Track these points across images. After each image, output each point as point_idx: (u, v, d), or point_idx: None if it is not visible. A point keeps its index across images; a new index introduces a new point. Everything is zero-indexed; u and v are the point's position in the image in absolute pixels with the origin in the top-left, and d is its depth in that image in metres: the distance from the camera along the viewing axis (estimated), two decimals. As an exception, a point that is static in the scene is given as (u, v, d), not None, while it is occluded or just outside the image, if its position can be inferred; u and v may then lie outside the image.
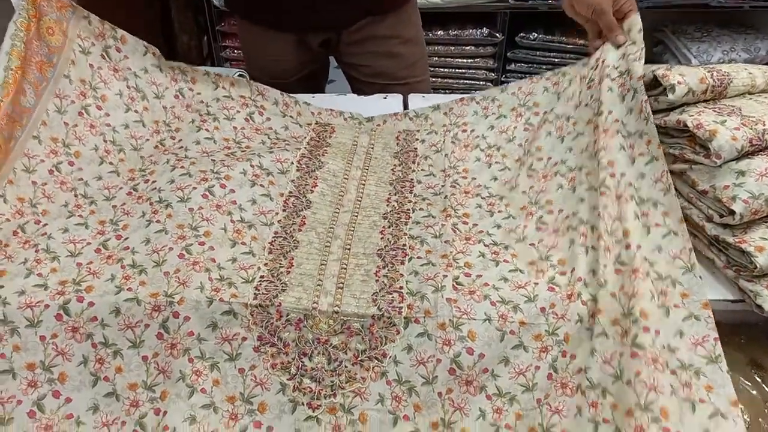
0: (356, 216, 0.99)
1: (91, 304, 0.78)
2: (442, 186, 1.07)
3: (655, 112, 0.98)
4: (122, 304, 0.79)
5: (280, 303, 0.81)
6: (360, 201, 1.03)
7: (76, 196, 0.94)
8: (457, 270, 0.87)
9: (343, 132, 1.20)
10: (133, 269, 0.84)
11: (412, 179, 1.08)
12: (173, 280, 0.82)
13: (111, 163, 1.01)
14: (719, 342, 0.77)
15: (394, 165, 1.12)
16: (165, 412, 0.75)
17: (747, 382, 0.89)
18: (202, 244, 0.88)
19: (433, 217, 0.99)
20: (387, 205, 1.02)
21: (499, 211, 1.01)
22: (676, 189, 0.96)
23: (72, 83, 1.01)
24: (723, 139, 0.86)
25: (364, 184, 1.07)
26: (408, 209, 1.00)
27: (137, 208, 0.94)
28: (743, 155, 0.89)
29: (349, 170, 1.09)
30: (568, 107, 1.07)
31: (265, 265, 0.88)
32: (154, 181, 0.99)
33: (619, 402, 0.71)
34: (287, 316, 0.81)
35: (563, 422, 0.74)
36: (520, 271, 0.87)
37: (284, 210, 0.98)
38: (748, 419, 0.83)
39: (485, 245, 0.93)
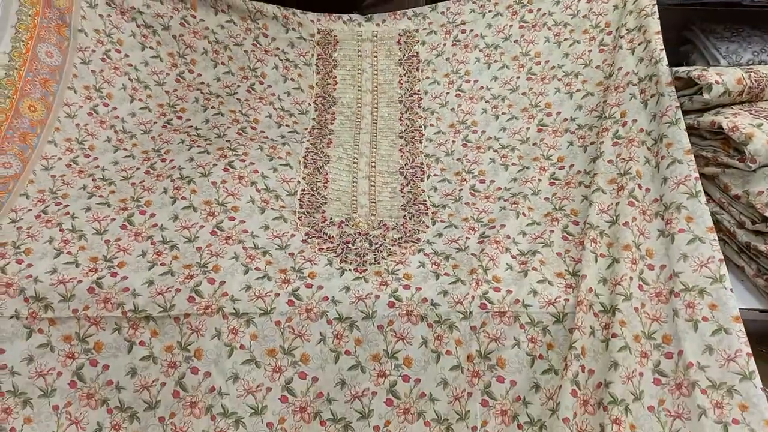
0: (375, 137, 1.12)
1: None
2: (447, 94, 1.18)
3: (687, 112, 0.95)
4: (180, 211, 0.92)
5: (324, 210, 0.96)
6: (376, 123, 1.15)
7: (116, 131, 1.08)
8: (472, 180, 1.02)
9: (346, 42, 1.26)
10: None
11: (418, 90, 1.19)
12: (221, 189, 0.95)
13: (141, 100, 1.13)
14: (699, 181, 0.86)
15: (400, 75, 1.22)
16: (222, 282, 0.81)
17: (773, 395, 0.86)
18: (243, 161, 1.00)
19: (443, 133, 1.12)
20: (401, 124, 1.14)
21: (503, 113, 1.12)
22: (706, 194, 0.93)
23: (88, 35, 1.12)
24: (759, 143, 0.84)
25: (377, 108, 1.17)
26: (420, 126, 1.14)
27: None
28: (779, 160, 0.86)
29: (360, 97, 1.19)
30: (576, 65, 1.14)
31: (304, 179, 1.01)
32: (188, 119, 1.12)
33: (614, 240, 0.84)
34: (330, 219, 0.95)
35: (580, 265, 0.84)
36: (526, 167, 1.01)
37: (311, 135, 1.12)
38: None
39: (494, 151, 1.06)
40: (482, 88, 1.16)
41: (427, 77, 1.20)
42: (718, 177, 0.91)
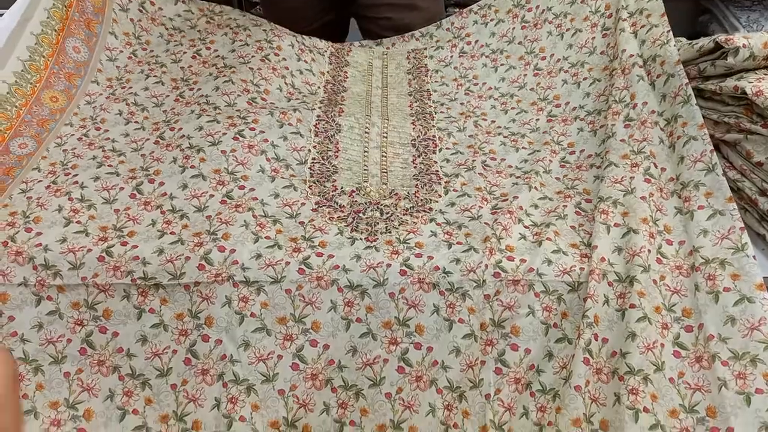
0: (386, 118, 1.12)
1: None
2: (456, 93, 1.19)
3: (710, 77, 0.93)
4: (189, 180, 0.91)
5: (335, 180, 0.95)
6: (386, 108, 1.15)
7: (128, 104, 1.09)
8: (484, 156, 1.01)
9: (358, 52, 1.32)
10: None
11: (428, 89, 1.21)
12: (231, 158, 0.94)
13: (156, 76, 1.15)
14: (714, 153, 0.85)
15: (410, 79, 1.25)
16: (232, 250, 0.80)
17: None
18: (252, 129, 0.99)
19: (453, 117, 1.12)
20: (410, 110, 1.15)
21: (512, 108, 1.13)
22: (727, 161, 0.92)
23: (117, 38, 1.17)
24: (784, 108, 0.81)
25: (386, 98, 1.19)
26: (430, 111, 1.14)
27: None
28: (804, 126, 0.83)
29: (370, 90, 1.21)
30: (582, 54, 1.13)
31: (314, 147, 1.01)
32: (199, 89, 1.13)
33: (631, 210, 0.82)
34: (341, 188, 0.93)
35: (592, 237, 0.82)
36: (537, 151, 1.01)
37: (321, 103, 1.13)
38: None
39: (504, 137, 1.06)
40: (490, 88, 1.19)
41: (436, 81, 1.24)
42: (740, 143, 0.88)
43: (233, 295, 0.77)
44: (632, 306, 0.72)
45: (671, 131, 0.91)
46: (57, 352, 0.76)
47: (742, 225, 0.78)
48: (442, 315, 0.77)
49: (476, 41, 1.28)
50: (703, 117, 0.93)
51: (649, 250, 0.78)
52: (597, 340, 0.73)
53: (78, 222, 0.84)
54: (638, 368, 0.69)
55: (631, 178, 0.87)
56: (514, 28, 1.24)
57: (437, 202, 0.92)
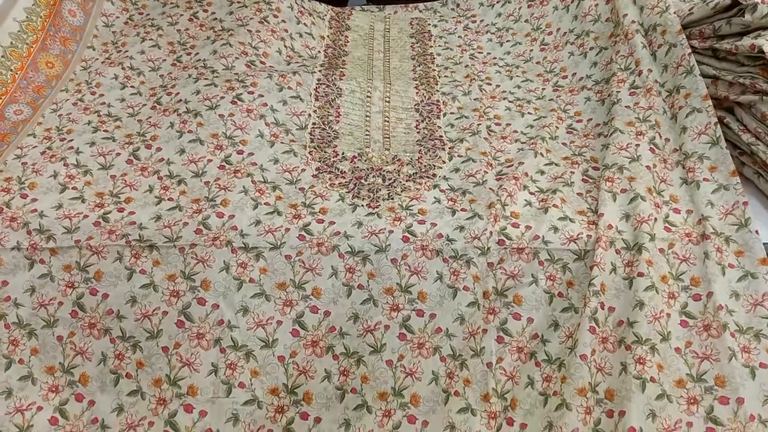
0: (389, 83, 1.10)
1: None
2: (461, 57, 1.18)
3: (725, 36, 0.89)
4: (186, 145, 0.90)
5: (336, 145, 0.93)
6: (388, 72, 1.13)
7: (124, 68, 1.07)
8: (488, 121, 0.99)
9: (359, 16, 1.30)
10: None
11: (431, 53, 1.20)
12: (229, 123, 0.92)
13: (151, 39, 1.13)
14: (719, 126, 0.84)
15: (412, 43, 1.23)
16: (231, 216, 0.79)
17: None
18: (251, 92, 0.97)
19: (458, 81, 1.10)
20: (414, 74, 1.13)
21: (517, 76, 1.11)
22: (742, 124, 0.88)
23: (114, 4, 1.17)
24: (803, 69, 0.78)
25: (389, 61, 1.17)
26: (434, 75, 1.13)
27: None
28: (823, 87, 0.80)
29: (372, 54, 1.19)
30: (586, 23, 1.11)
31: (315, 111, 0.99)
32: (197, 53, 1.10)
33: (636, 176, 0.81)
34: (343, 154, 0.92)
35: (598, 205, 0.81)
36: (543, 117, 0.99)
37: (322, 67, 1.10)
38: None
39: (509, 101, 1.04)
40: (495, 58, 1.17)
41: (440, 45, 1.22)
42: (755, 105, 0.85)
43: (231, 261, 0.75)
44: (640, 274, 0.71)
45: (672, 102, 0.90)
46: (49, 315, 0.75)
47: (746, 199, 0.77)
48: (446, 282, 0.75)
49: (482, 21, 1.27)
50: (717, 78, 0.90)
51: (656, 219, 0.76)
52: (603, 309, 0.71)
53: (74, 188, 0.82)
54: (646, 337, 0.68)
55: (636, 145, 0.85)
56: (520, 8, 1.24)
57: (441, 168, 0.90)
